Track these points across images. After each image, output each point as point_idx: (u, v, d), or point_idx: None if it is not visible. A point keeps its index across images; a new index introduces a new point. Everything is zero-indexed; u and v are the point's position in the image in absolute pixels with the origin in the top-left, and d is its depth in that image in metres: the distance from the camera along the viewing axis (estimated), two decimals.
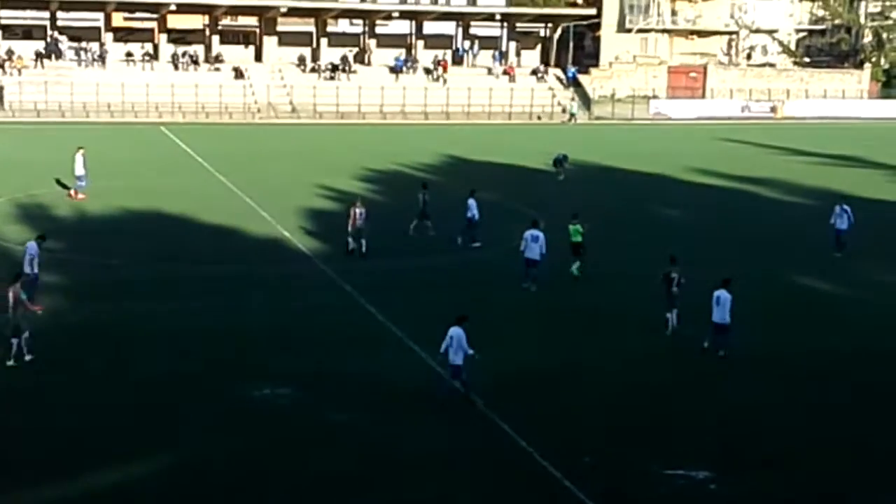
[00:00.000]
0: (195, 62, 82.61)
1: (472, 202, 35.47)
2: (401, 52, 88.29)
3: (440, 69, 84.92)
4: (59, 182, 45.24)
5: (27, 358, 22.48)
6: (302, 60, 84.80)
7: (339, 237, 35.37)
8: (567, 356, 24.38)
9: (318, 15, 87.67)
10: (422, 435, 19.63)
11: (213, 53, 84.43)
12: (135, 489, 17.12)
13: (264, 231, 37.27)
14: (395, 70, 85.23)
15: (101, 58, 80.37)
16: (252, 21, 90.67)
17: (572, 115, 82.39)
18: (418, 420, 20.34)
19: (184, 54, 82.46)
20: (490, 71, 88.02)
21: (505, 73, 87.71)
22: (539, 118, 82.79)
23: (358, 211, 33.80)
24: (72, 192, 43.05)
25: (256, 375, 22.35)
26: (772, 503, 17.36)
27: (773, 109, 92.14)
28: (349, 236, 33.71)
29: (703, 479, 18.03)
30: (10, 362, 22.36)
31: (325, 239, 35.94)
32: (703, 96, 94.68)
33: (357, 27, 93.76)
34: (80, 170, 42.83)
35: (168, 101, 76.14)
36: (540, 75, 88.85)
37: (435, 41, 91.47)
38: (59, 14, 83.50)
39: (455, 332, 20.99)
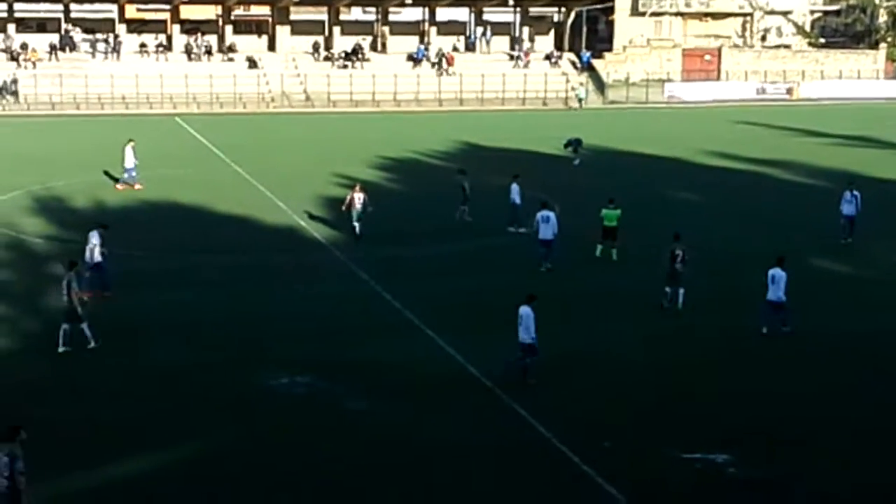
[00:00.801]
0: (209, 52, 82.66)
1: (514, 187, 35.86)
2: (420, 43, 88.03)
3: (445, 62, 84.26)
4: (107, 173, 45.68)
5: (91, 345, 22.95)
6: (316, 48, 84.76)
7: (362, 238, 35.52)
8: (585, 340, 24.39)
9: (330, 3, 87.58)
10: (440, 422, 19.67)
11: (227, 44, 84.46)
12: (154, 478, 17.21)
13: (280, 220, 37.34)
14: (415, 60, 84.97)
15: (115, 49, 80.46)
16: (265, 10, 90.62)
17: (580, 100, 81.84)
18: (437, 407, 20.38)
19: (196, 42, 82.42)
20: (512, 57, 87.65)
21: (520, 57, 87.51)
22: (545, 104, 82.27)
23: (357, 196, 34.18)
24: (119, 184, 43.53)
25: (274, 364, 22.42)
26: (791, 487, 17.33)
27: (789, 91, 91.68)
28: (353, 221, 34.03)
29: (722, 462, 18.02)
30: (62, 348, 22.79)
31: (340, 227, 35.95)
32: (718, 79, 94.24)
33: (370, 15, 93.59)
34: (129, 162, 43.29)
35: (182, 91, 76.21)
36: (554, 60, 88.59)
37: (448, 27, 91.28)
38: (73, 6, 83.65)
39: (524, 311, 21.41)
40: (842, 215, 34.03)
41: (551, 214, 30.44)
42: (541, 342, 21.12)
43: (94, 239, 27.16)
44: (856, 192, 34.06)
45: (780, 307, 24.22)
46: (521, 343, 21.36)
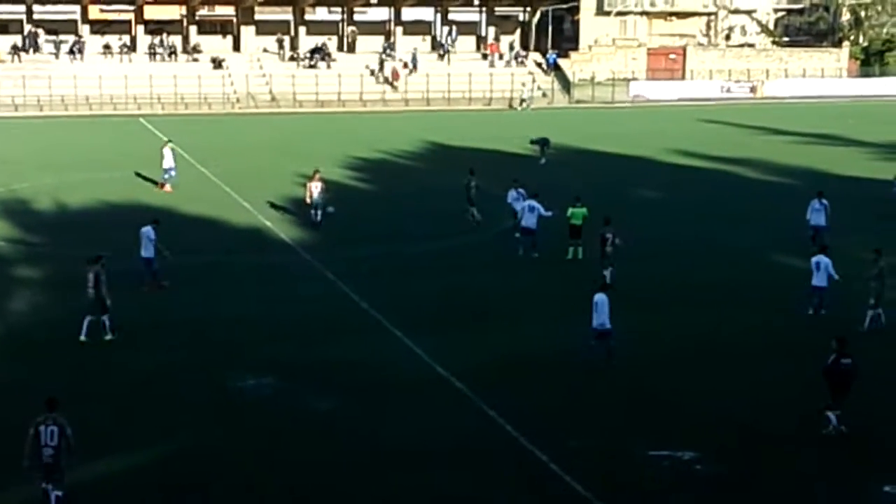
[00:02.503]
0: (173, 53, 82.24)
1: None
2: (385, 41, 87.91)
3: (392, 78, 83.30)
4: (138, 174, 45.84)
5: (108, 337, 23.63)
6: (280, 44, 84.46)
7: (322, 226, 35.42)
8: (554, 341, 24.39)
9: (295, 3, 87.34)
10: (407, 421, 19.64)
11: (191, 44, 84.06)
12: (121, 479, 17.10)
13: (245, 221, 37.20)
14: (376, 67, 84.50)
15: (79, 50, 79.90)
16: (229, 11, 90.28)
17: (522, 100, 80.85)
18: (404, 407, 20.35)
19: (160, 42, 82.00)
20: (485, 56, 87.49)
21: (485, 56, 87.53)
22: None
23: (314, 185, 35.59)
24: (161, 185, 43.45)
25: (240, 365, 22.34)
26: (758, 483, 17.42)
27: (753, 89, 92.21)
28: (311, 209, 35.42)
29: (688, 459, 18.09)
30: (84, 338, 23.53)
31: (306, 228, 35.87)
32: (683, 78, 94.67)
33: (336, 15, 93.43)
34: (168, 163, 43.33)
35: (146, 92, 75.76)
36: (520, 60, 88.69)
37: (414, 27, 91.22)
38: (36, 7, 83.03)
39: (600, 298, 22.03)
40: (809, 225, 31.99)
41: (537, 205, 31.68)
42: (507, 343, 21.14)
43: (151, 234, 28.18)
44: (824, 201, 32.05)
45: (823, 290, 25.40)
46: (596, 329, 22.01)
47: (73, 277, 29.45)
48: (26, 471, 15.69)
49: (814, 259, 25.49)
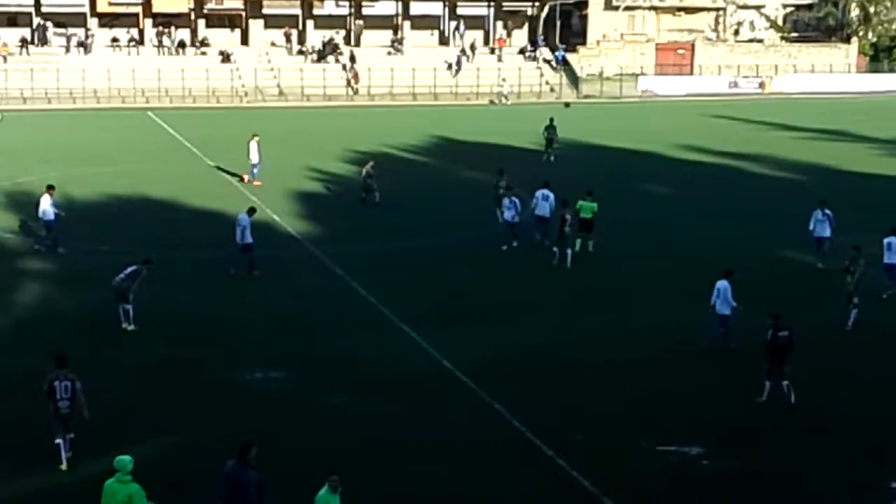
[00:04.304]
0: (181, 46, 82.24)
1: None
2: (394, 35, 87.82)
3: (353, 79, 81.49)
4: (219, 168, 46.04)
5: (131, 328, 24.12)
6: (288, 38, 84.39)
7: (329, 220, 35.43)
8: (560, 334, 24.40)
9: None
10: (416, 415, 19.65)
11: (199, 37, 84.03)
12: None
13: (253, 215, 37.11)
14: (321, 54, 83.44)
15: (87, 44, 79.91)
16: (238, 4, 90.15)
17: (504, 97, 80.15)
18: (412, 401, 20.36)
19: (168, 36, 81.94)
20: (493, 51, 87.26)
21: (492, 50, 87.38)
22: (519, 97, 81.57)
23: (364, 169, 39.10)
24: (246, 178, 43.49)
25: (248, 360, 22.36)
26: (764, 479, 17.39)
27: (762, 85, 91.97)
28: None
29: (695, 454, 18.07)
30: (130, 326, 24.09)
31: (314, 222, 35.88)
32: (692, 73, 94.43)
33: (343, 9, 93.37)
34: (255, 157, 43.25)
35: (155, 86, 75.72)
36: (528, 54, 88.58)
37: (422, 22, 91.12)
38: (44, 0, 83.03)
39: (722, 284, 22.72)
40: (812, 237, 30.21)
41: (551, 194, 32.38)
42: (514, 336, 21.09)
43: (244, 222, 29.26)
44: (828, 212, 30.11)
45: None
46: (720, 315, 22.68)
47: (78, 270, 29.64)
48: (48, 424, 17.33)
49: (886, 239, 26.79)
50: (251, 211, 30.10)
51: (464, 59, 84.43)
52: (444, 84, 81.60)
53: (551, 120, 51.62)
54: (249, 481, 14.12)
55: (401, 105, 77.86)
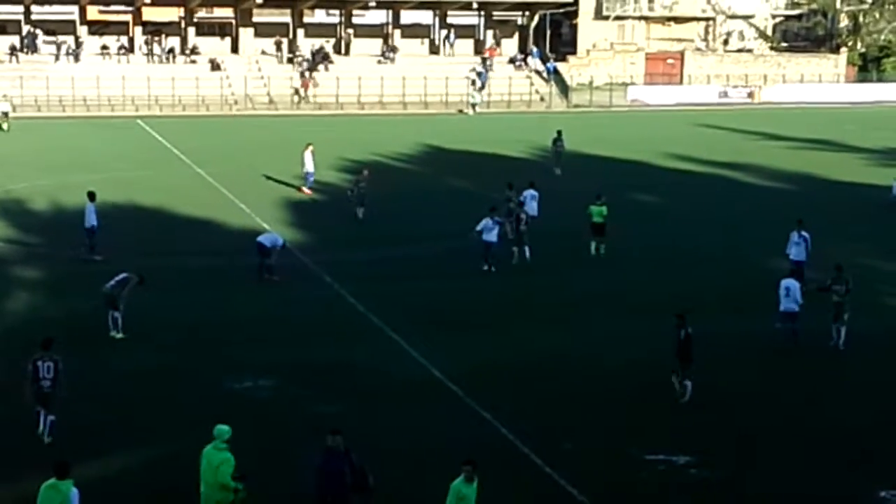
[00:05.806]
0: (171, 54, 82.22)
1: (530, 192, 35.35)
2: (384, 44, 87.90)
3: (302, 90, 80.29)
4: (269, 178, 46.14)
5: (119, 336, 24.08)
6: (279, 46, 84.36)
7: (318, 228, 35.43)
8: (550, 342, 24.42)
9: (294, 5, 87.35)
10: (405, 424, 19.65)
11: (189, 46, 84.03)
12: (114, 482, 17.08)
13: (243, 223, 37.17)
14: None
15: (77, 52, 79.83)
16: (228, 12, 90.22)
17: (473, 105, 79.98)
18: (400, 409, 20.36)
19: (158, 43, 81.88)
20: (485, 61, 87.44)
21: (485, 59, 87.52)
22: (509, 106, 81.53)
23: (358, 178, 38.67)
24: (304, 188, 43.50)
25: (238, 368, 22.33)
26: (752, 487, 17.43)
27: (751, 95, 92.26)
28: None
29: (683, 463, 18.11)
30: (118, 335, 24.09)
31: (303, 230, 35.88)
32: (681, 82, 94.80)
33: (334, 17, 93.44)
34: (309, 166, 43.20)
35: (144, 94, 75.65)
36: (518, 63, 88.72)
37: (412, 31, 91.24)
38: (34, 8, 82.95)
39: (790, 283, 23.91)
40: (790, 260, 28.80)
41: (537, 193, 34.95)
42: (503, 344, 21.06)
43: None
44: (804, 234, 29.00)
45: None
46: (787, 312, 23.64)
47: (69, 278, 29.57)
48: (26, 400, 18.28)
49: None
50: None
51: (488, 73, 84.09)
52: (435, 93, 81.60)
53: (559, 133, 51.42)
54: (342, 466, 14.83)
55: (391, 114, 77.89)
